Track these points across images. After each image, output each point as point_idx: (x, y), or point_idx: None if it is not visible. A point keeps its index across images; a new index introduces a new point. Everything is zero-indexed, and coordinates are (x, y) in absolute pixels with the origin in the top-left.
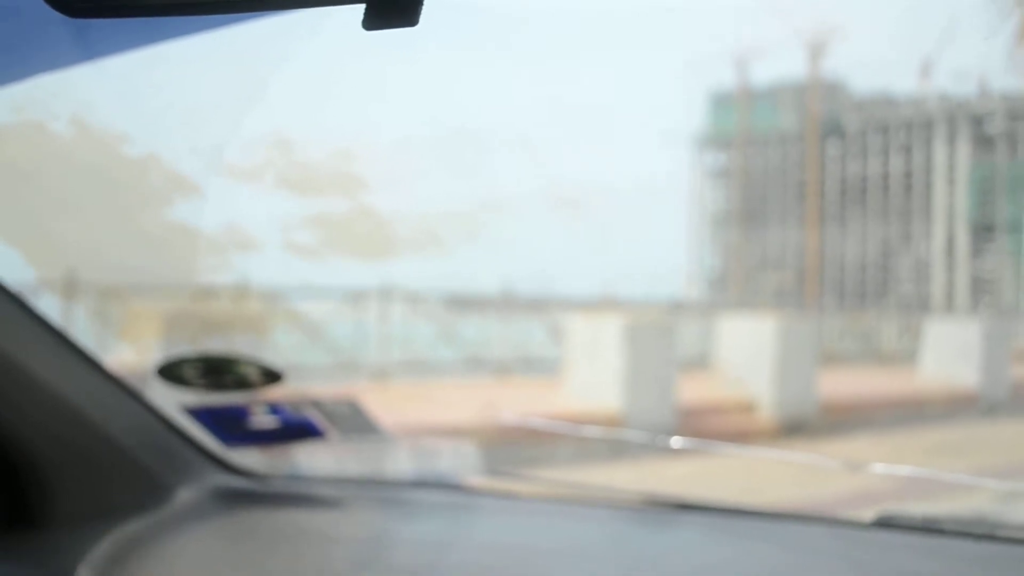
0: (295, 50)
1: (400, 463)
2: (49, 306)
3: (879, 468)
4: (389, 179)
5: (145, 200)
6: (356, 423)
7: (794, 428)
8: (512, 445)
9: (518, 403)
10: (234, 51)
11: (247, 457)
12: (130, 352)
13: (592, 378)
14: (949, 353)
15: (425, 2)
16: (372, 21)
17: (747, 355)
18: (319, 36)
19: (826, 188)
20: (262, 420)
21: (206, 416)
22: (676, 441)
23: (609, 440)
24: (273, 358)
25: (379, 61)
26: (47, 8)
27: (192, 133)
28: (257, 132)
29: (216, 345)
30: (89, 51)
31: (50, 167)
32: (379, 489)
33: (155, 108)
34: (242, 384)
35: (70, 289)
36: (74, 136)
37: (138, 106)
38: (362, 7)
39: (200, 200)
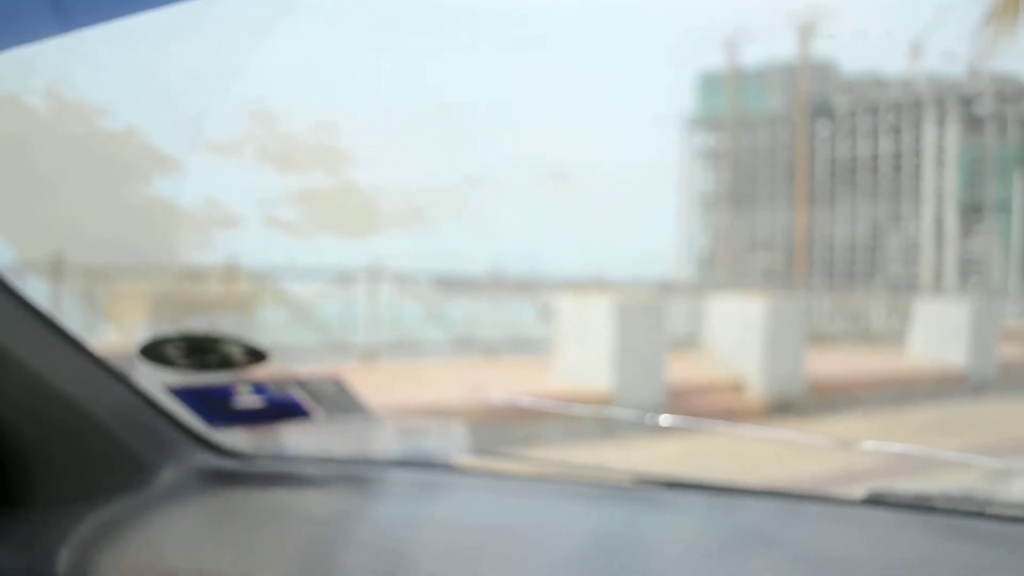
0: (277, 20)
1: (386, 443)
2: (32, 287)
3: (868, 446)
4: (375, 154)
5: (126, 176)
6: (342, 403)
7: (783, 407)
8: (500, 424)
9: (507, 383)
10: (214, 21)
11: (232, 437)
12: (115, 332)
13: (581, 358)
14: (938, 333)
15: None
16: None
17: (736, 335)
18: (301, 6)
19: (815, 169)
20: (247, 400)
21: (190, 396)
22: (664, 419)
23: (598, 419)
24: (260, 338)
25: (364, 33)
26: None
27: (172, 106)
28: (239, 104)
29: (203, 325)
30: (65, 22)
31: (27, 142)
32: (365, 469)
33: (134, 80)
34: (226, 364)
35: (53, 270)
36: (51, 110)
37: (116, 79)
38: None
39: (181, 175)
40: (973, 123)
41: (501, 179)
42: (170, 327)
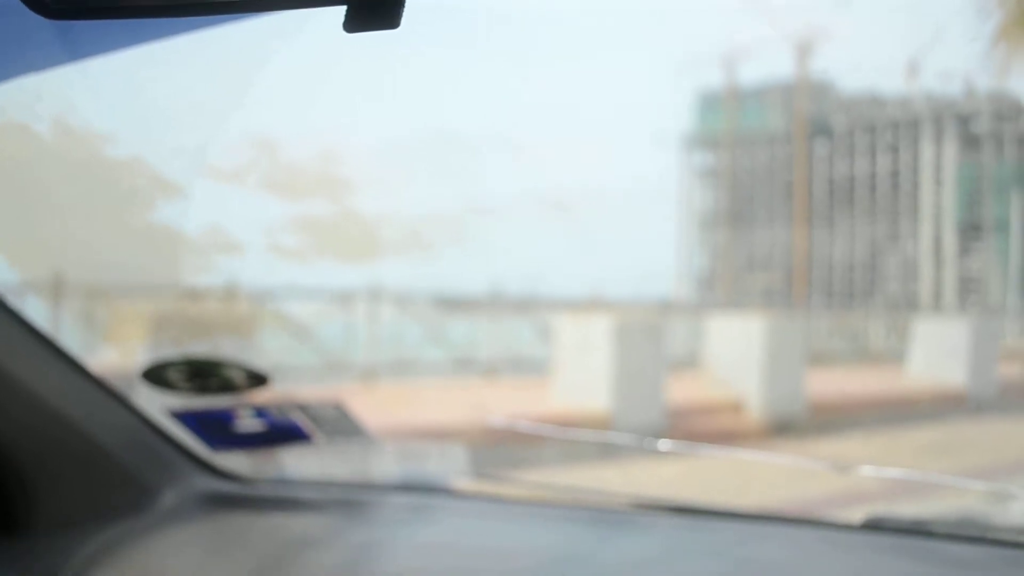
0: (279, 51)
1: (387, 466)
2: (34, 307)
3: (867, 470)
4: (375, 181)
5: (130, 201)
6: (342, 426)
7: (783, 428)
8: (500, 446)
9: (507, 403)
10: (218, 52)
11: (233, 461)
12: (116, 353)
13: (581, 378)
14: (937, 352)
15: (408, 4)
16: (353, 23)
17: (736, 355)
18: (303, 36)
19: (814, 188)
20: (248, 423)
21: (191, 419)
22: (664, 444)
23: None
24: (261, 359)
25: (365, 62)
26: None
27: (176, 134)
28: (241, 134)
29: (203, 346)
30: (72, 52)
31: (33, 168)
32: (366, 493)
33: (139, 109)
34: (228, 387)
35: (55, 291)
36: (58, 137)
37: (122, 107)
38: (343, 9)
39: (185, 202)
40: (971, 142)
41: (502, 205)
42: (170, 347)
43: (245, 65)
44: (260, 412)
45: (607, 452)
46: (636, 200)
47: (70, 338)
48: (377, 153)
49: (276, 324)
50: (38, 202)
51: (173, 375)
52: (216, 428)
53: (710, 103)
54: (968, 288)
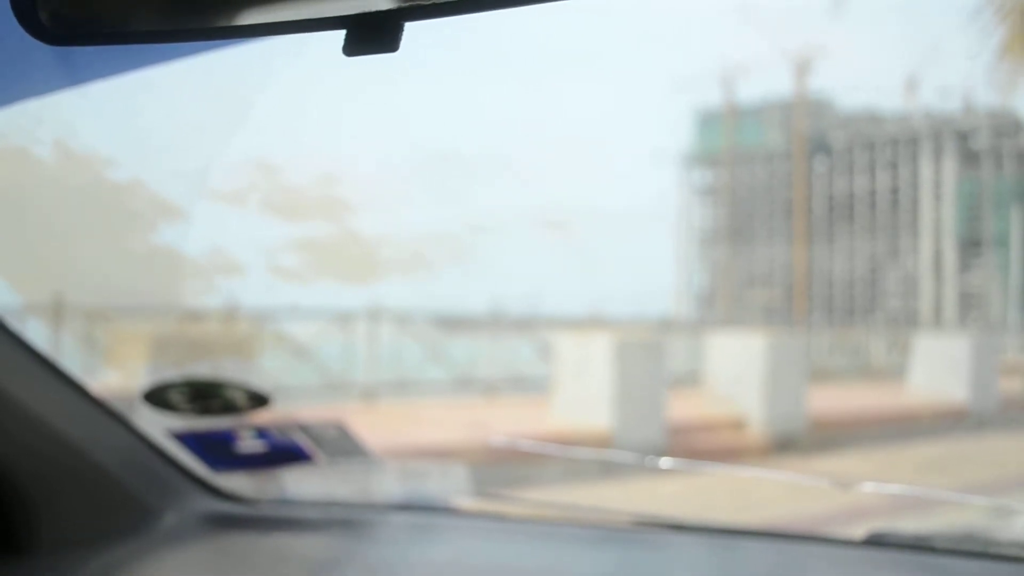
0: (278, 74)
1: (388, 486)
2: (35, 330)
3: (868, 487)
4: (375, 202)
5: (131, 224)
6: (344, 446)
7: (784, 445)
8: (501, 464)
9: (507, 422)
10: (217, 76)
11: (235, 481)
12: (117, 375)
13: (581, 396)
14: (938, 368)
15: (406, 27)
16: (352, 48)
17: (736, 372)
18: (302, 60)
19: (813, 205)
20: (249, 444)
21: (193, 441)
22: (665, 462)
23: (599, 460)
24: (262, 379)
25: (363, 84)
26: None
27: (177, 157)
28: (242, 156)
29: (204, 367)
30: (73, 76)
31: (35, 192)
32: (367, 512)
33: (140, 133)
34: (229, 408)
35: (56, 313)
36: (59, 161)
37: (122, 131)
38: (342, 33)
39: (186, 224)
40: (970, 158)
41: (501, 224)
42: (171, 369)
43: (245, 88)
44: (261, 433)
45: (608, 470)
46: (635, 218)
47: (71, 360)
48: (377, 174)
49: (277, 344)
50: (39, 225)
51: (174, 396)
52: (218, 449)
53: (709, 121)
54: (968, 303)
